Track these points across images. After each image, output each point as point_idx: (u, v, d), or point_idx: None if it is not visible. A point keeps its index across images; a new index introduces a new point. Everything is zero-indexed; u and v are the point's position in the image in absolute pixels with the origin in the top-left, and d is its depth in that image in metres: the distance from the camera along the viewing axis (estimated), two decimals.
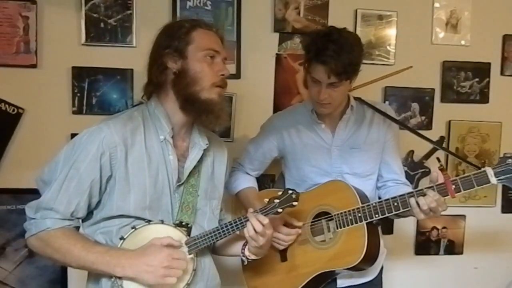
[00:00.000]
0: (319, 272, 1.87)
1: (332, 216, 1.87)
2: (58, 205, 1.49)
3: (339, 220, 1.85)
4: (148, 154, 1.56)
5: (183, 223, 1.61)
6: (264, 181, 2.47)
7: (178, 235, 1.57)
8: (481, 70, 2.73)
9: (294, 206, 1.61)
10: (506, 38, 2.75)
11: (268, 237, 1.63)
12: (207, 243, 1.60)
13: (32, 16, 2.33)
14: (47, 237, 1.49)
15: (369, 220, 1.79)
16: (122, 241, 1.53)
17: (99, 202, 1.56)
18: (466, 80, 2.73)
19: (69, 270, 2.38)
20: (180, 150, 1.65)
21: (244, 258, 1.75)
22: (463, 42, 2.71)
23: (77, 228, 1.57)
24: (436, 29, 2.70)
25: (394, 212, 1.76)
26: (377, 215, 1.78)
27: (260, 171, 2.21)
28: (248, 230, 1.60)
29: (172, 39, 1.57)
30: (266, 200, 1.62)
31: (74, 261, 1.48)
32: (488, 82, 2.74)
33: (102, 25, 2.40)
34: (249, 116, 2.53)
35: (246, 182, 2.13)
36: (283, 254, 1.96)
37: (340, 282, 1.97)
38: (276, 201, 1.60)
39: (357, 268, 1.83)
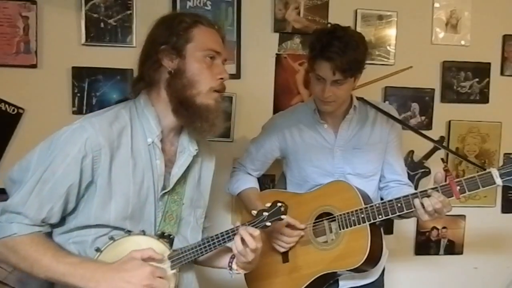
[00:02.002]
0: (321, 274, 1.86)
1: (334, 217, 1.87)
2: (28, 209, 1.34)
3: (341, 221, 1.84)
4: (133, 158, 1.43)
5: (165, 234, 1.50)
6: (265, 181, 2.47)
7: (160, 248, 1.45)
8: (481, 70, 2.73)
9: (282, 220, 1.50)
10: (506, 38, 2.75)
11: (258, 251, 1.50)
12: (192, 258, 1.49)
13: (32, 16, 2.33)
14: (12, 243, 1.33)
15: (372, 221, 1.79)
16: (98, 253, 1.39)
17: (74, 209, 1.41)
18: (466, 80, 2.73)
19: None
20: (167, 155, 1.52)
21: (231, 272, 1.62)
22: (463, 42, 2.71)
23: (49, 234, 1.42)
24: (436, 29, 2.70)
25: (397, 213, 1.75)
26: (380, 216, 1.78)
27: (262, 171, 2.20)
28: (237, 245, 1.49)
29: (170, 35, 1.44)
30: (254, 212, 1.53)
31: (42, 272, 1.33)
32: (488, 82, 2.74)
33: (102, 25, 2.40)
34: (249, 116, 2.53)
35: (247, 182, 2.13)
36: (284, 255, 1.95)
37: (342, 284, 1.97)
38: (265, 214, 1.49)
39: (359, 270, 1.82)
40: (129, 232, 1.43)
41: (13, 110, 2.33)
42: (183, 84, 1.44)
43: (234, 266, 1.60)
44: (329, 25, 2.42)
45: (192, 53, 1.44)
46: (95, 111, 2.22)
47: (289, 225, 1.87)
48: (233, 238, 1.50)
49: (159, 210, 1.50)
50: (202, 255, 1.51)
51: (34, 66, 2.35)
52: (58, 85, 2.39)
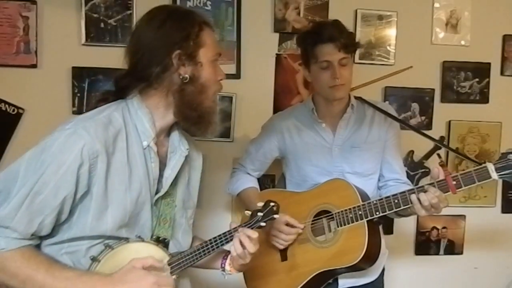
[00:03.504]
0: (319, 271, 1.86)
1: (332, 214, 1.87)
2: (17, 223, 1.24)
3: (339, 219, 1.84)
4: (129, 164, 1.37)
5: (160, 238, 1.46)
6: (265, 181, 2.48)
7: (160, 254, 1.41)
8: (481, 70, 2.73)
9: (275, 219, 1.54)
10: (506, 38, 2.75)
11: (255, 253, 1.50)
12: (192, 263, 1.47)
13: (32, 16, 2.33)
14: (0, 259, 1.24)
15: (369, 217, 1.79)
16: (96, 263, 1.31)
17: (66, 219, 1.33)
18: (466, 80, 2.72)
19: None
20: (159, 157, 1.46)
21: (224, 273, 1.61)
22: (463, 42, 2.71)
23: (38, 246, 1.34)
24: (436, 29, 2.70)
25: (394, 209, 1.76)
26: (377, 213, 1.78)
27: (262, 172, 2.21)
28: (236, 248, 1.49)
29: (185, 39, 1.36)
30: (248, 212, 1.55)
31: None
32: (488, 82, 2.74)
33: (102, 25, 2.40)
34: (249, 116, 2.53)
35: (247, 182, 2.14)
36: (283, 254, 1.95)
37: (341, 283, 1.96)
38: (260, 214, 1.51)
39: (357, 267, 1.82)
40: (127, 239, 1.37)
41: (13, 110, 2.34)
42: (197, 90, 1.40)
43: (227, 267, 1.60)
44: None
45: (204, 59, 1.40)
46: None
47: (287, 224, 1.87)
48: (230, 240, 1.50)
49: (154, 215, 1.46)
50: (201, 259, 1.50)
51: (34, 66, 2.35)
52: (58, 85, 2.39)
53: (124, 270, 1.30)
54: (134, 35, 1.45)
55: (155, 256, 1.36)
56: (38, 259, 1.27)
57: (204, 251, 1.49)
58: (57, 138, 1.28)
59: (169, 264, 1.43)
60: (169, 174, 1.48)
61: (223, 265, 1.60)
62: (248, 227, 1.50)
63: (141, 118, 1.41)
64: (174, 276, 1.43)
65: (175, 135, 1.51)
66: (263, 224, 1.51)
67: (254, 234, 1.47)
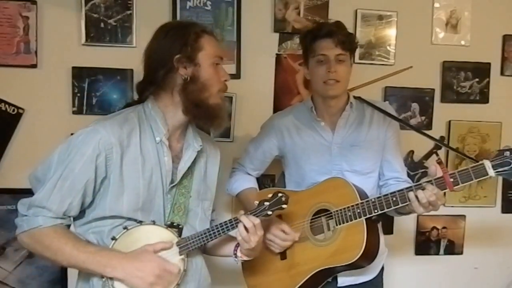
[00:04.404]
0: (319, 269, 1.87)
1: (331, 213, 1.87)
2: (51, 204, 1.51)
3: (338, 217, 1.85)
4: (142, 156, 1.59)
5: (174, 224, 1.65)
6: (264, 181, 2.47)
7: (169, 236, 1.60)
8: (481, 70, 2.73)
9: (284, 208, 1.64)
10: (506, 38, 2.75)
11: (260, 239, 1.66)
12: (198, 244, 1.63)
13: (32, 16, 2.33)
14: (38, 234, 1.50)
15: (368, 215, 1.80)
16: (113, 241, 1.55)
17: (91, 202, 1.58)
18: (466, 80, 2.72)
19: (69, 270, 2.37)
20: (174, 151, 1.67)
21: (236, 259, 1.77)
22: (463, 42, 2.71)
23: (69, 226, 1.59)
24: (436, 29, 2.70)
25: (393, 207, 1.77)
26: (376, 211, 1.79)
27: (261, 171, 2.22)
28: (240, 232, 1.63)
29: (183, 45, 1.59)
30: (256, 202, 1.65)
31: (65, 260, 1.51)
32: (488, 82, 2.74)
33: (102, 25, 2.40)
34: (249, 116, 2.53)
35: (246, 182, 2.14)
36: (282, 252, 1.95)
37: (340, 281, 1.97)
38: (266, 203, 1.63)
39: (356, 265, 1.83)
40: (140, 222, 1.58)
41: (13, 110, 2.33)
42: (198, 88, 1.60)
43: (238, 253, 1.74)
44: None
45: (204, 60, 1.61)
46: (95, 111, 2.32)
47: (283, 230, 1.89)
48: (236, 227, 1.64)
49: (168, 202, 1.65)
50: (208, 241, 1.65)
51: (34, 66, 2.35)
52: (58, 85, 2.39)
53: (137, 251, 1.54)
54: (146, 48, 1.67)
55: (164, 237, 1.59)
56: (67, 236, 1.53)
57: (210, 234, 1.64)
58: (81, 134, 1.54)
59: (177, 245, 1.61)
60: (182, 166, 1.67)
61: (235, 252, 1.75)
62: (254, 215, 1.63)
63: (154, 117, 1.63)
64: (182, 256, 1.60)
65: (189, 132, 1.72)
66: (270, 212, 1.63)
67: (256, 220, 1.62)
